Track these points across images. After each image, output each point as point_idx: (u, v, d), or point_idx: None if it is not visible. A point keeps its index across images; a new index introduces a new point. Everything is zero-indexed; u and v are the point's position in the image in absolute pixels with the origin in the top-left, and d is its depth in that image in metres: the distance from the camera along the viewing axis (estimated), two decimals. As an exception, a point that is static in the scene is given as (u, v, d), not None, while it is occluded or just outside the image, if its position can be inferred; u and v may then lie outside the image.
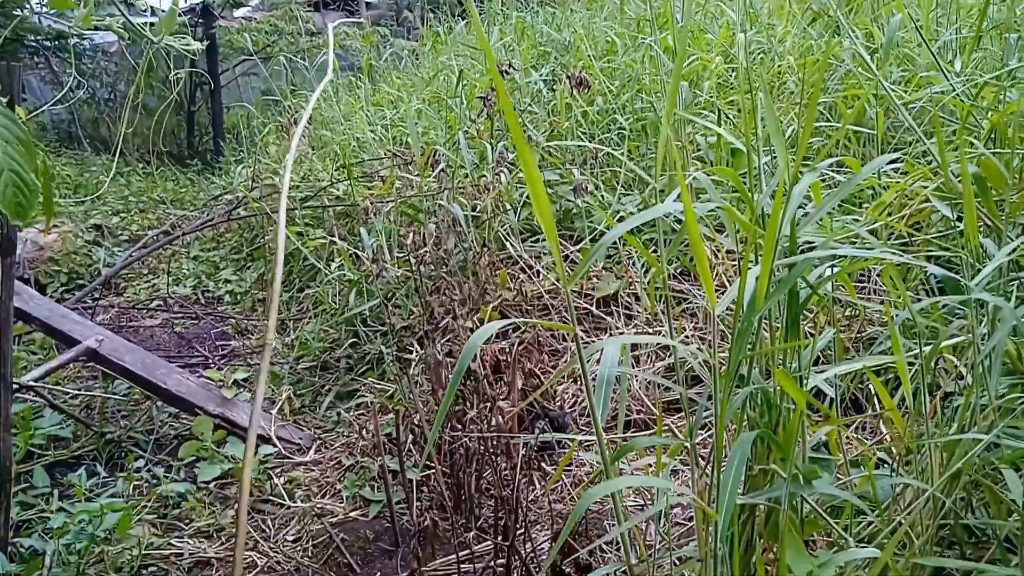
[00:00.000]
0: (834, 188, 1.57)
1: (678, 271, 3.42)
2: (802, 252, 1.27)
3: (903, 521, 1.28)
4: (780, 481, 1.33)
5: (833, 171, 2.41)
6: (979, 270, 1.50)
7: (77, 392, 3.52)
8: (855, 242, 1.98)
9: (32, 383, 2.96)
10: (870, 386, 2.55)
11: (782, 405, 1.28)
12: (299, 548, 2.64)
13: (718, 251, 3.52)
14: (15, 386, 2.57)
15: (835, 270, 1.35)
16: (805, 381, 1.25)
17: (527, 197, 3.87)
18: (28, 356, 3.98)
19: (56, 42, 9.32)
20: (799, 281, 1.20)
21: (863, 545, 1.33)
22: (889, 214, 2.02)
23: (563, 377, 3.23)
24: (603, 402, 1.14)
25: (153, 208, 7.14)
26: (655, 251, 3.54)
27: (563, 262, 3.65)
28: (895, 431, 1.66)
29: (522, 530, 2.31)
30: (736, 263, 3.27)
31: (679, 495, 1.31)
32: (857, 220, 2.15)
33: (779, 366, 1.16)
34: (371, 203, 3.71)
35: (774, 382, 1.29)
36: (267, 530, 2.74)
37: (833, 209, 2.68)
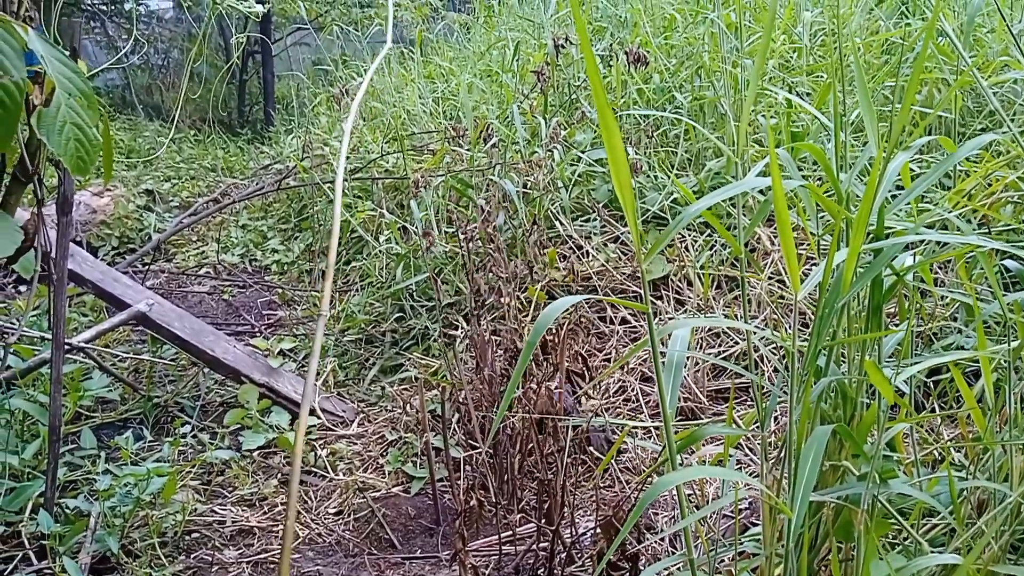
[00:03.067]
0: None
1: (733, 257, 3.33)
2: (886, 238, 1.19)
3: (984, 528, 1.20)
4: (851, 478, 1.26)
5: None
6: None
7: (126, 355, 3.54)
8: (937, 229, 1.89)
9: (83, 344, 2.98)
10: (929, 383, 2.46)
11: (858, 399, 1.21)
12: (340, 521, 2.63)
13: (773, 239, 3.42)
14: (66, 346, 2.59)
15: (919, 258, 1.27)
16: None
17: (578, 176, 3.79)
18: (79, 317, 4.02)
19: (112, 7, 9.41)
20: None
21: (940, 550, 1.26)
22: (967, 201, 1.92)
23: (607, 362, 3.16)
24: (673, 387, 1.08)
25: (203, 176, 7.18)
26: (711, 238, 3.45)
27: (614, 243, 3.58)
28: (969, 430, 1.58)
29: (566, 514, 2.27)
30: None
31: (748, 488, 1.26)
32: (934, 207, 2.06)
33: (865, 357, 1.09)
34: (421, 176, 3.66)
35: (850, 373, 1.23)
36: (309, 502, 2.73)
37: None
